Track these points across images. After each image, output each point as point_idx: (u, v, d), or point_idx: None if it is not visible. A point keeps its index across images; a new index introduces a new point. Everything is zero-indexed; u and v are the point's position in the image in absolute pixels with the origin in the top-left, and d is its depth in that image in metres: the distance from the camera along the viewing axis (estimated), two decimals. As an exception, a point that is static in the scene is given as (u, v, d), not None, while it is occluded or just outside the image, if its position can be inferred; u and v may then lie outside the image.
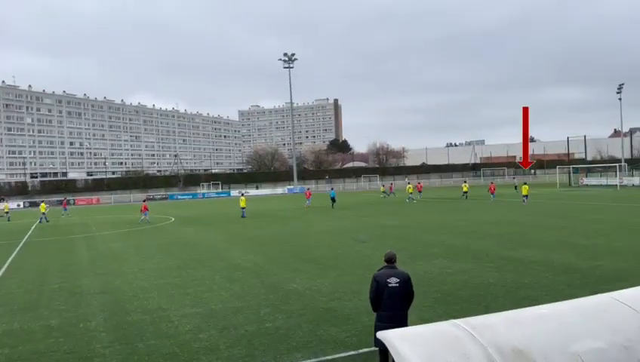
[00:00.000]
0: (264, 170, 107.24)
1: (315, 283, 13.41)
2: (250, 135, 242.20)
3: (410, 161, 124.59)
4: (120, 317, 11.02)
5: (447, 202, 44.26)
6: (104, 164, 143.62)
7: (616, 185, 57.30)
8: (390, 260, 7.22)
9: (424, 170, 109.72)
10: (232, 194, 79.06)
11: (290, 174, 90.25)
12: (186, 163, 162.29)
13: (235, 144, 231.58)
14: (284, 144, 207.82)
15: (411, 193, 46.91)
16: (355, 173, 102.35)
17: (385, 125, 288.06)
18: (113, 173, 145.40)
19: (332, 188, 52.01)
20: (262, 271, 15.56)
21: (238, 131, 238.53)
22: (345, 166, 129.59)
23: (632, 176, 62.53)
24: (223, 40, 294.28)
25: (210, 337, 9.35)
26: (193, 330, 9.80)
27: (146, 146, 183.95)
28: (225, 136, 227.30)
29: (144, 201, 39.53)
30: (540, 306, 4.76)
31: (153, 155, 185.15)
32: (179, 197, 77.77)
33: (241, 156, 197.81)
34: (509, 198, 44.82)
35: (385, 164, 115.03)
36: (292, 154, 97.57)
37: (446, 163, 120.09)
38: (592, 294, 5.27)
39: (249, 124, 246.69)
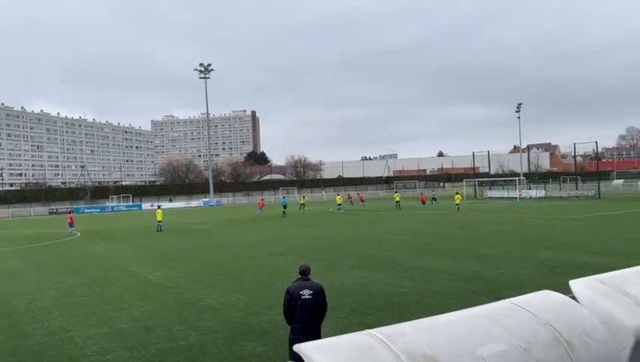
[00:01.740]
0: (178, 183, 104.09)
1: (231, 298, 13.16)
2: (163, 146, 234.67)
3: (327, 174, 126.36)
4: (17, 340, 10.16)
5: (363, 213, 45.31)
6: (0, 175, 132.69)
7: (516, 197, 61.61)
8: (304, 272, 7.21)
9: (340, 182, 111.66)
10: (143, 208, 75.92)
11: (206, 186, 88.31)
12: (94, 174, 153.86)
13: (148, 155, 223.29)
14: (199, 155, 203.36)
15: (340, 204, 48.70)
16: (273, 185, 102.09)
17: (302, 138, 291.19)
18: (11, 185, 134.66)
19: (284, 197, 54.96)
20: (175, 287, 15.03)
21: (151, 142, 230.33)
22: (263, 178, 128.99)
23: (530, 189, 67.54)
24: (133, 47, 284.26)
25: (119, 358, 8.86)
26: (100, 351, 9.24)
27: (49, 157, 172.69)
28: (137, 147, 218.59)
29: (70, 213, 38.13)
30: (449, 313, 4.97)
31: (57, 166, 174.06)
32: (85, 210, 73.48)
33: (154, 168, 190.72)
34: (422, 210, 46.72)
35: (303, 177, 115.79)
36: (208, 166, 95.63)
37: (361, 176, 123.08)
38: (495, 300, 5.59)
39: (162, 135, 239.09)
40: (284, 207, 47.15)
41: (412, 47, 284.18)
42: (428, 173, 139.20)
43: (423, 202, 49.33)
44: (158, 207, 39.31)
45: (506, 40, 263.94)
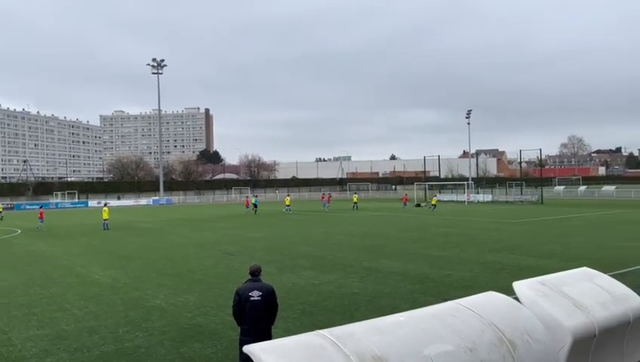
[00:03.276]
0: (127, 180, 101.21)
1: (180, 299, 12.91)
2: (112, 142, 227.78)
3: (281, 175, 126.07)
4: (-52, 343, 9.60)
5: (316, 215, 45.43)
6: None
7: (465, 201, 63.39)
8: (254, 273, 7.17)
9: (294, 183, 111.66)
10: (90, 205, 73.42)
11: (156, 184, 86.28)
12: (37, 170, 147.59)
13: (96, 151, 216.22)
14: (150, 153, 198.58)
15: (288, 205, 48.91)
16: (226, 184, 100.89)
17: (257, 138, 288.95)
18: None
19: (256, 196, 54.80)
20: (122, 287, 14.60)
21: (99, 137, 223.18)
22: (215, 177, 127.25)
23: (478, 193, 69.62)
24: (81, 39, 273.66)
25: (60, 360, 8.53)
26: (39, 354, 8.86)
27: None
28: (84, 142, 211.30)
29: (40, 208, 36.88)
30: (399, 314, 5.06)
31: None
32: (27, 206, 70.31)
33: (102, 164, 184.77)
34: (374, 211, 47.35)
35: (256, 177, 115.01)
36: (159, 164, 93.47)
37: (315, 177, 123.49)
38: (443, 301, 5.73)
39: (112, 131, 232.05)
40: (255, 206, 47.93)
41: (365, 51, 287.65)
42: (380, 175, 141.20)
43: (405, 202, 53.80)
44: (105, 204, 37.98)
45: (457, 47, 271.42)
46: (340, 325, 4.65)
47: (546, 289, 6.42)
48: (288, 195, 54.68)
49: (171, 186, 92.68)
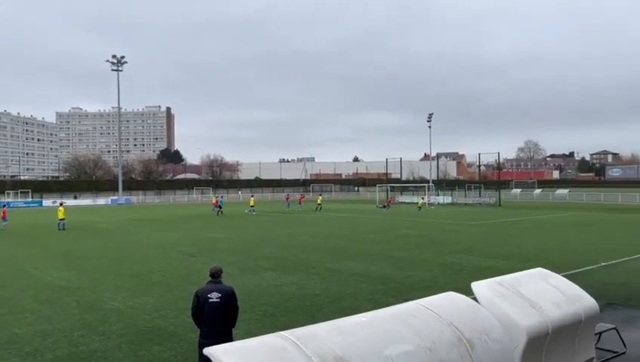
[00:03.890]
0: (84, 179, 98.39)
1: (138, 301, 12.63)
2: (69, 140, 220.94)
3: (244, 175, 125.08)
4: None
5: (280, 216, 45.28)
6: None
7: (425, 203, 64.41)
8: (214, 275, 7.11)
9: (258, 184, 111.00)
10: (44, 205, 70.97)
11: (115, 184, 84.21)
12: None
13: (51, 149, 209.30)
14: (109, 151, 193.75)
15: (252, 206, 48.45)
16: (188, 184, 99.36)
17: (219, 138, 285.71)
18: None
19: (221, 197, 54.12)
20: (77, 289, 14.17)
21: (56, 135, 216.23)
22: (176, 177, 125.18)
23: (438, 195, 70.88)
24: (37, 33, 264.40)
25: (10, 366, 8.20)
26: (-12, 360, 8.50)
27: None
28: (39, 140, 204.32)
29: (4, 207, 35.23)
30: (360, 314, 5.09)
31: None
32: (-23, 206, 67.35)
33: (58, 163, 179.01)
34: (337, 213, 47.56)
35: (219, 177, 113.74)
36: (118, 163, 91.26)
37: (279, 178, 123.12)
38: (404, 301, 5.80)
39: (69, 128, 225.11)
40: (220, 206, 47.29)
41: (329, 52, 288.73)
42: (344, 177, 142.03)
43: (389, 204, 55.94)
44: (61, 204, 36.73)
45: (419, 51, 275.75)
46: (302, 326, 4.64)
47: (503, 289, 6.58)
48: (252, 196, 54.43)
49: (131, 186, 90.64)
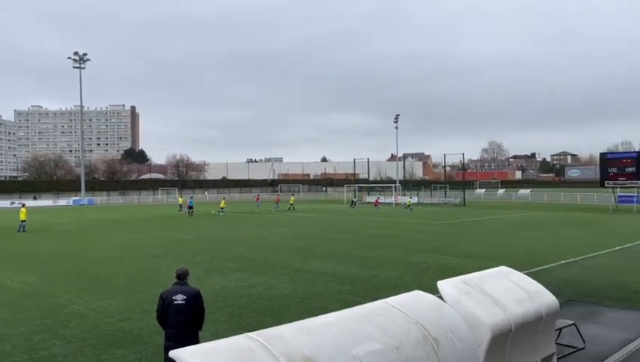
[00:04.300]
0: (45, 179, 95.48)
1: (102, 304, 12.33)
2: (28, 138, 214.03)
3: (210, 175, 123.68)
4: None
5: (248, 216, 44.98)
6: None
7: (392, 203, 65.11)
8: (180, 276, 7.03)
9: (225, 184, 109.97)
10: (1, 205, 68.58)
11: (77, 184, 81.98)
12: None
13: (10, 148, 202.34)
14: (70, 151, 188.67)
15: (222, 207, 47.84)
16: (153, 185, 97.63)
17: (185, 137, 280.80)
18: None
19: (191, 197, 53.77)
20: (38, 292, 13.74)
21: (14, 134, 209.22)
22: (141, 177, 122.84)
23: (405, 195, 71.73)
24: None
25: (-35, 374, 7.90)
26: (-59, 368, 8.16)
27: None
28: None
29: None
30: (328, 314, 5.10)
31: None
32: None
33: (17, 162, 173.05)
34: (305, 213, 47.56)
35: (185, 177, 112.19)
36: (80, 163, 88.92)
37: (246, 178, 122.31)
38: (372, 301, 5.84)
39: (28, 127, 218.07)
40: (191, 207, 46.63)
41: (297, 52, 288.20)
42: (312, 177, 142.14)
43: (376, 204, 57.33)
44: (23, 205, 35.52)
45: (386, 52, 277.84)
46: (270, 327, 4.62)
47: (468, 287, 6.71)
48: (224, 198, 54.26)
49: (94, 186, 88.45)
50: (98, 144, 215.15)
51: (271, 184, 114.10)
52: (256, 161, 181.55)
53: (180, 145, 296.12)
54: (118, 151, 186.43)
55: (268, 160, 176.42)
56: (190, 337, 6.60)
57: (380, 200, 61.99)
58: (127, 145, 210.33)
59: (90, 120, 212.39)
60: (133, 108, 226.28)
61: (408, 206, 52.83)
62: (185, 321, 6.72)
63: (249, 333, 4.30)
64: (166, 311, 6.78)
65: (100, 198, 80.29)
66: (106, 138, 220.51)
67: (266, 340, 4.15)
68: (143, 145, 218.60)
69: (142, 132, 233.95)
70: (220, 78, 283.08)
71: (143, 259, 19.56)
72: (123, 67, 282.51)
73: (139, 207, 64.78)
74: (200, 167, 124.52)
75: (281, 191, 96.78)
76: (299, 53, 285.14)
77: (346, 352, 4.31)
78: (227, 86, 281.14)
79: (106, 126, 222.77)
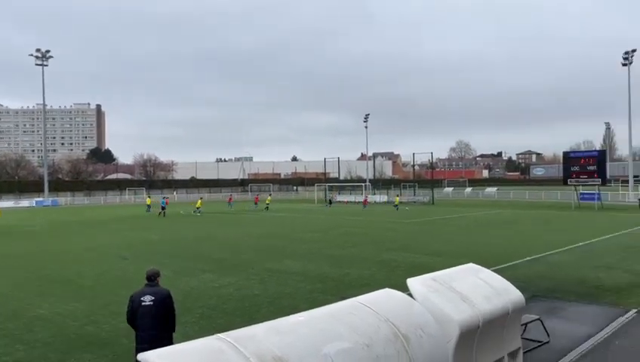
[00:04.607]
0: (6, 180, 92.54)
1: (67, 307, 12.03)
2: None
3: (179, 175, 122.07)
4: None
5: (219, 216, 44.57)
6: None
7: (362, 201, 65.54)
8: (149, 278, 6.97)
9: (194, 184, 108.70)
10: (-39, 207, 66.11)
11: (40, 185, 79.72)
12: None
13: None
14: (33, 150, 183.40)
15: (198, 207, 47.52)
16: (120, 185, 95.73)
17: (153, 137, 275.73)
18: None
19: (163, 198, 53.10)
20: (-1, 296, 13.31)
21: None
22: (107, 177, 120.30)
23: (375, 194, 72.28)
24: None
25: None
26: None
27: None
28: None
29: None
30: (298, 314, 5.10)
31: None
32: None
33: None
34: (277, 212, 47.42)
35: (152, 177, 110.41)
36: (43, 163, 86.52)
37: (216, 178, 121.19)
38: (342, 299, 5.87)
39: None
40: (163, 207, 45.93)
41: (268, 51, 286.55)
42: (282, 176, 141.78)
43: (365, 203, 58.20)
44: (-17, 207, 34.47)
45: (356, 52, 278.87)
46: (241, 327, 4.59)
47: (437, 285, 6.80)
48: (201, 198, 53.80)
49: (58, 187, 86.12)
50: (62, 143, 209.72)
51: (241, 184, 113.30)
52: (225, 161, 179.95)
53: (148, 144, 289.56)
54: (83, 150, 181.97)
55: (238, 159, 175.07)
56: (162, 339, 6.50)
57: (347, 200, 62.56)
58: (92, 144, 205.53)
59: (54, 119, 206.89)
60: (98, 106, 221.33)
61: (396, 204, 52.69)
62: (154, 323, 6.63)
63: (219, 334, 4.27)
64: (135, 313, 6.71)
65: (64, 199, 78.30)
66: (71, 137, 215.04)
67: (237, 341, 4.12)
68: (109, 144, 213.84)
69: (108, 131, 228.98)
70: (188, 77, 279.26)
71: (109, 261, 19.16)
72: (88, 65, 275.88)
73: (105, 208, 63.47)
74: (168, 167, 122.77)
75: (251, 191, 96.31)
76: (268, 52, 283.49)
77: (317, 351, 4.32)
78: (196, 84, 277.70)
79: (71, 125, 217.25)
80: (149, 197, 59.86)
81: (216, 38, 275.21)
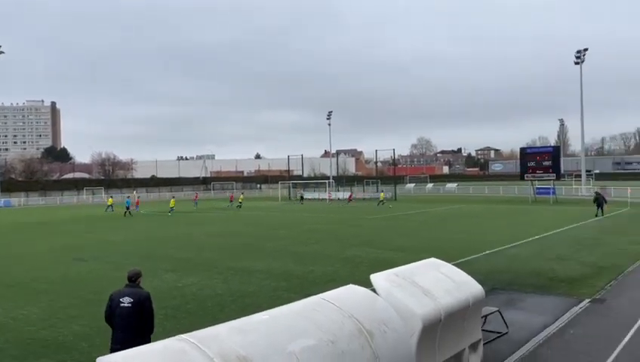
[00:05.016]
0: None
1: (21, 311, 11.61)
2: None
3: (139, 174, 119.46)
4: None
5: (183, 215, 43.88)
6: None
7: (327, 198, 65.78)
8: (130, 278, 6.97)
9: (154, 183, 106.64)
10: None
11: (-8, 185, 76.77)
12: None
13: None
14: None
15: (172, 207, 46.36)
16: (77, 184, 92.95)
17: (112, 135, 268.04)
18: None
19: (128, 197, 52.57)
20: (-52, 302, 12.73)
21: None
22: (63, 177, 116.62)
23: (338, 191, 72.66)
24: None
25: None
26: None
27: None
28: None
29: None
30: (263, 312, 5.08)
31: None
32: None
33: None
34: (241, 211, 47.04)
35: (111, 176, 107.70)
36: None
37: (177, 176, 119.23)
38: (306, 296, 5.87)
39: None
40: (128, 207, 44.91)
41: (227, 48, 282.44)
42: (245, 174, 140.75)
43: (350, 199, 59.13)
44: None
45: (319, 49, 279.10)
46: (204, 328, 4.54)
47: (399, 280, 6.90)
48: (173, 197, 52.71)
49: (10, 187, 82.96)
50: (15, 142, 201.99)
51: (203, 182, 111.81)
52: (187, 159, 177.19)
53: (107, 143, 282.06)
54: (37, 149, 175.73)
55: (200, 157, 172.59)
56: (139, 342, 6.41)
57: (328, 196, 63.51)
58: (47, 143, 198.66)
59: (6, 116, 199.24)
60: (53, 104, 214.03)
61: (382, 200, 52.55)
62: (131, 324, 6.60)
63: (182, 335, 4.21)
64: (113, 313, 6.70)
65: (17, 200, 75.50)
66: (24, 136, 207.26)
67: (200, 341, 4.08)
68: (65, 143, 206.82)
69: (64, 129, 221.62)
70: (149, 74, 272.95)
71: (67, 263, 18.59)
72: (42, 60, 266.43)
73: (62, 208, 61.54)
74: (128, 166, 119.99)
75: (214, 189, 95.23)
76: (231, 49, 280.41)
77: (282, 349, 4.31)
78: (158, 82, 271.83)
79: (24, 123, 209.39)
80: (110, 196, 58.87)
81: (177, 34, 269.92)
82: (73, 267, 17.79)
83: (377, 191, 70.02)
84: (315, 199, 67.86)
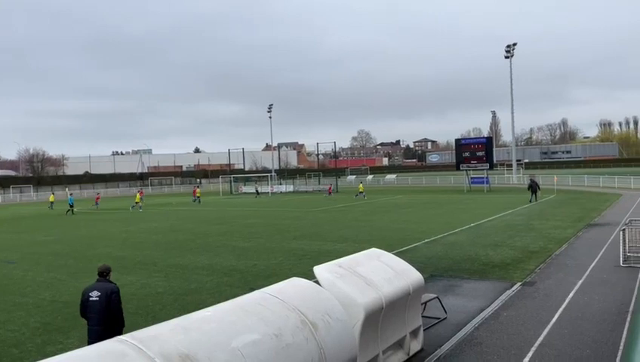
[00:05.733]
0: None
1: (-57, 320, 10.85)
2: None
3: (71, 170, 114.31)
4: None
5: (115, 213, 42.35)
6: None
7: (268, 192, 65.51)
8: (100, 273, 7.36)
9: (88, 179, 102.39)
10: None
11: None
12: None
13: None
14: None
15: (137, 202, 45.27)
16: (3, 183, 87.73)
17: (40, 130, 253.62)
18: None
19: (71, 195, 51.01)
20: None
21: None
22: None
23: (281, 184, 72.53)
24: None
25: None
26: None
27: None
28: None
29: None
30: (205, 309, 5.01)
31: None
32: None
33: None
34: (180, 207, 46.00)
35: (41, 173, 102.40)
36: None
37: (112, 172, 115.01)
38: (250, 291, 5.85)
39: None
40: (71, 206, 42.88)
41: (164, 39, 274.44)
42: (185, 169, 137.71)
43: (329, 192, 58.51)
44: None
45: (257, 42, 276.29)
46: (144, 327, 4.42)
47: (342, 270, 7.00)
48: (138, 192, 50.40)
49: None
50: None
51: (140, 178, 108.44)
52: (122, 154, 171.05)
53: (35, 138, 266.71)
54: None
55: (136, 152, 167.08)
56: (109, 334, 6.61)
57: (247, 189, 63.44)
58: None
59: None
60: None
61: (361, 192, 51.45)
62: (100, 318, 7.00)
63: (121, 336, 4.09)
64: (85, 307, 7.13)
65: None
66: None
67: (140, 342, 3.97)
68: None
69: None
70: (80, 65, 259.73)
71: (-7, 266, 17.54)
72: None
73: (-14, 209, 57.91)
74: (58, 162, 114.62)
75: (151, 186, 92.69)
76: (165, 39, 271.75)
77: (226, 345, 4.28)
78: (87, 74, 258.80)
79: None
80: (52, 194, 56.27)
81: (108, 24, 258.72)
82: (1, 269, 16.81)
83: (319, 183, 70.49)
84: (251, 193, 67.42)
